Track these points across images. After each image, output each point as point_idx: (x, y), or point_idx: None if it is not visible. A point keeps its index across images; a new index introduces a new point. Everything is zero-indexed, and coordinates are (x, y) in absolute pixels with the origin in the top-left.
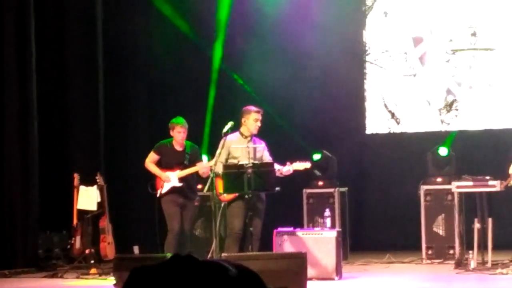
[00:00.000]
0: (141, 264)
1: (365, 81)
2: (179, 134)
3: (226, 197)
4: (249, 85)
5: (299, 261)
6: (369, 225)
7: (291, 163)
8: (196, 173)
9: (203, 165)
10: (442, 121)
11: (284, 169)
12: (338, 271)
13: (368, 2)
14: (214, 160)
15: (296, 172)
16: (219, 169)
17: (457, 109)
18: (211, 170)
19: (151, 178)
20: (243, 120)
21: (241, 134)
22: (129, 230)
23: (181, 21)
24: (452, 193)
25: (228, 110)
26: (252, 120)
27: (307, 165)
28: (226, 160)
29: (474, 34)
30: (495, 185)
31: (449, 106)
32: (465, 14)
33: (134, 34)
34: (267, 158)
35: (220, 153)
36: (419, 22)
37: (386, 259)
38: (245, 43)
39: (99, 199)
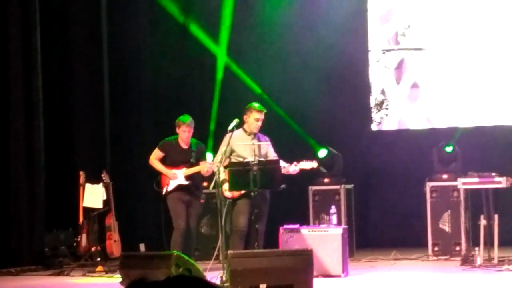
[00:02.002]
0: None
1: (370, 78)
2: (184, 133)
3: (235, 193)
4: (255, 82)
5: (305, 258)
6: (375, 222)
7: (298, 162)
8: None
9: (206, 165)
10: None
11: (291, 169)
12: (344, 268)
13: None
14: (218, 157)
15: (302, 171)
16: (223, 175)
17: (387, 108)
18: (215, 166)
19: (156, 175)
20: (245, 117)
21: (244, 131)
22: (135, 227)
23: (186, 19)
24: (458, 190)
25: (233, 107)
26: (252, 119)
27: (314, 164)
28: (229, 156)
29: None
30: (501, 182)
31: (379, 105)
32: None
33: (139, 32)
34: (272, 154)
35: (225, 151)
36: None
37: (392, 256)
38: (250, 41)
39: (105, 197)
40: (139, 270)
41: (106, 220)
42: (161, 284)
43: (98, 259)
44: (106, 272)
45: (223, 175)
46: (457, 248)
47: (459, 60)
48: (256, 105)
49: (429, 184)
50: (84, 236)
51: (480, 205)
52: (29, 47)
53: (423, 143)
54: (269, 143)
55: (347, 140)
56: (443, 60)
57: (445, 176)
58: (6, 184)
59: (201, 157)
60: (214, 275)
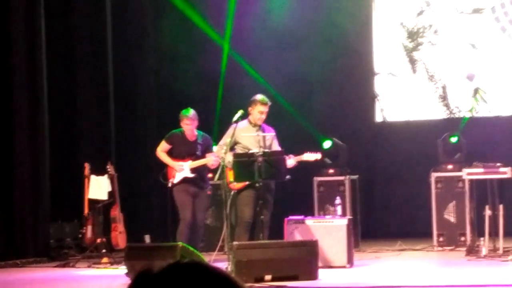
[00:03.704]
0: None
1: (375, 68)
2: (186, 126)
3: (236, 185)
4: (260, 73)
5: (310, 249)
6: (380, 212)
7: (302, 154)
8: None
9: (212, 158)
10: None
11: (288, 162)
12: (350, 259)
13: None
14: (224, 149)
15: (305, 162)
16: (230, 158)
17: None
18: (220, 160)
19: (162, 168)
20: (249, 109)
21: (250, 122)
22: (140, 219)
23: (191, 11)
24: (463, 180)
25: (238, 99)
26: (257, 111)
27: (317, 156)
28: (233, 148)
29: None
30: (506, 172)
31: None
32: None
33: (143, 25)
34: (276, 147)
35: (230, 142)
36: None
37: (397, 246)
38: (254, 32)
39: (110, 189)
40: (144, 261)
41: (111, 212)
42: (165, 275)
43: (104, 250)
44: (112, 264)
45: (229, 157)
46: (462, 238)
47: (465, 50)
48: (260, 97)
49: (434, 175)
50: (89, 227)
51: (485, 196)
52: (33, 41)
53: (428, 133)
54: (274, 134)
55: (351, 131)
56: (449, 51)
57: (450, 166)
58: (11, 176)
59: (207, 150)
60: (220, 266)
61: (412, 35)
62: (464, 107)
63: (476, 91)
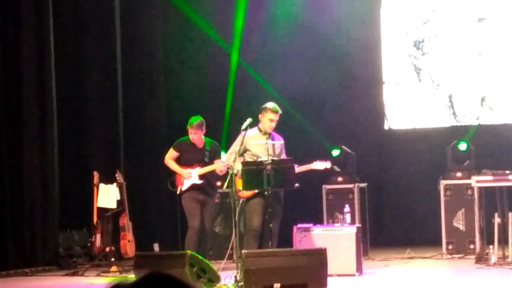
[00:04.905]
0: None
1: (383, 76)
2: (190, 135)
3: (245, 193)
4: (268, 82)
5: (319, 257)
6: (389, 220)
7: (311, 162)
8: (214, 170)
9: (221, 164)
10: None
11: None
12: (359, 267)
13: None
14: (233, 157)
15: (315, 171)
16: (239, 166)
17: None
18: (229, 167)
19: (171, 175)
20: (260, 116)
21: (260, 130)
22: (149, 227)
23: (199, 20)
24: (472, 188)
25: (247, 107)
26: (267, 119)
27: (327, 164)
28: (242, 155)
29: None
30: None
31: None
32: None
33: (152, 32)
34: (283, 157)
35: (239, 150)
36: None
37: (406, 254)
38: (263, 40)
39: (118, 197)
40: (153, 270)
41: (120, 220)
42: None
43: (112, 259)
44: (121, 272)
45: (238, 165)
46: (472, 246)
47: (471, 59)
48: (271, 105)
49: (443, 182)
50: (98, 236)
51: (494, 203)
52: (42, 54)
53: (437, 141)
54: (282, 142)
55: (360, 139)
56: (454, 60)
57: (459, 174)
58: (21, 184)
59: (215, 156)
60: (228, 275)
61: (418, 44)
62: (470, 115)
63: (482, 99)
